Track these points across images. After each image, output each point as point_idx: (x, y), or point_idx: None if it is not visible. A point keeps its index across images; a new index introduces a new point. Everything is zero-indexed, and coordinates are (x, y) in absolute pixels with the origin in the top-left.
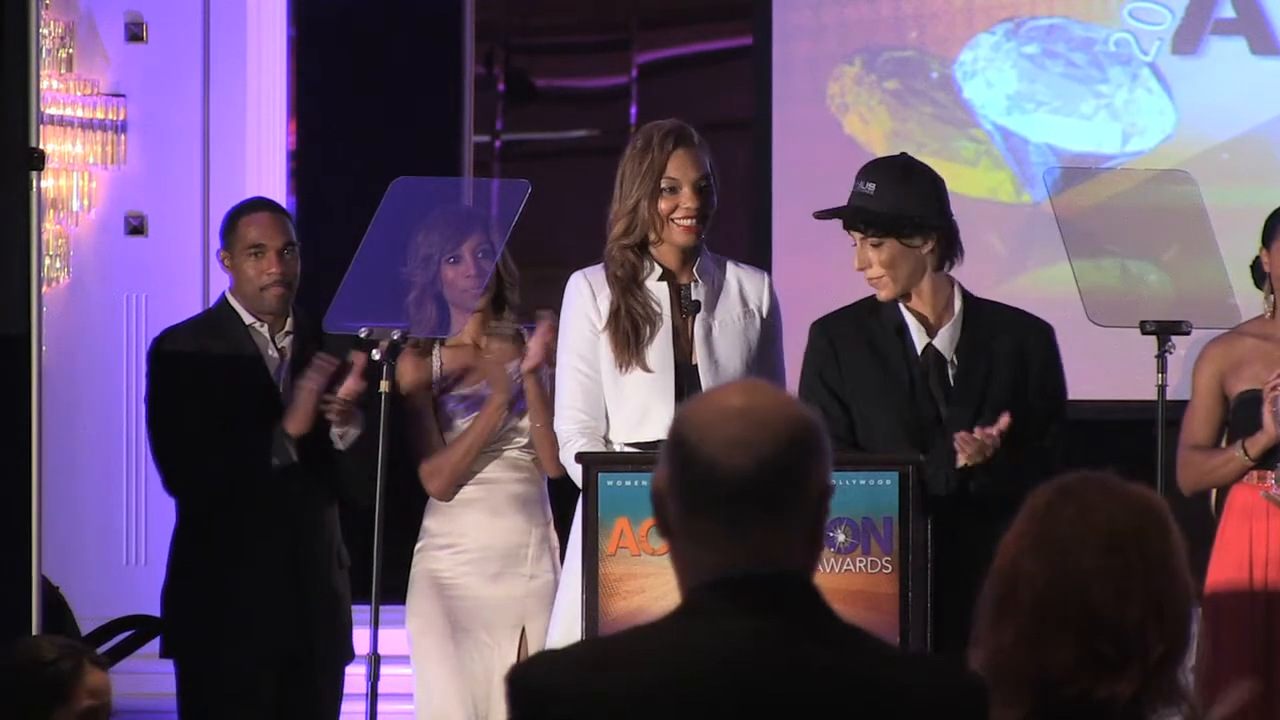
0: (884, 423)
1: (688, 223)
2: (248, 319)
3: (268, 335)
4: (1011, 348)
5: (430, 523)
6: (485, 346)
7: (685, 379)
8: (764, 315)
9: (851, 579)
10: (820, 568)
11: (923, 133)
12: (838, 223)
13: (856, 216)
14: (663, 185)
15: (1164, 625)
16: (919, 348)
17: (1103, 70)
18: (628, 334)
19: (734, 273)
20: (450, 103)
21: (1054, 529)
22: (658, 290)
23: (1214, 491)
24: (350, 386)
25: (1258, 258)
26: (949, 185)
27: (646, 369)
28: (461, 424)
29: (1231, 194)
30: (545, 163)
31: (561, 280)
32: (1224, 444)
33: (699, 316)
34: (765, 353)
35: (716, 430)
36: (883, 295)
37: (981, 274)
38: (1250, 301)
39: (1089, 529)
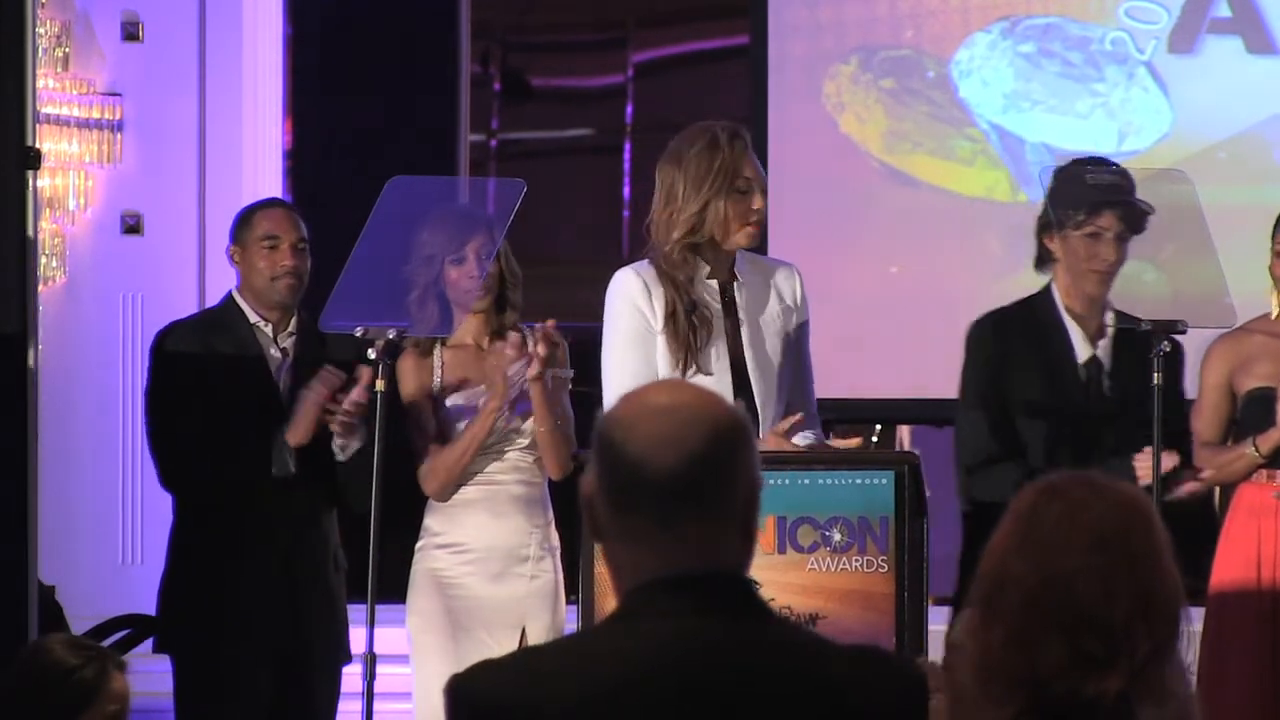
0: (1047, 437)
1: (756, 225)
2: (252, 318)
3: (271, 335)
4: (1140, 359)
5: (431, 522)
6: (487, 348)
7: (739, 379)
8: (799, 310)
9: (848, 578)
10: (817, 567)
11: (919, 131)
12: (835, 221)
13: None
14: (739, 186)
15: (1151, 622)
16: (1082, 358)
17: (1099, 69)
18: (688, 335)
19: (767, 269)
20: (446, 102)
21: (1040, 529)
22: (710, 290)
23: (1217, 489)
24: (354, 398)
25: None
26: (945, 184)
27: (706, 371)
28: (461, 425)
29: (1228, 193)
30: (541, 161)
31: (557, 279)
32: (1230, 441)
33: (745, 316)
34: (803, 348)
35: (643, 429)
36: (1096, 292)
37: (977, 273)
38: (1255, 301)
39: (1075, 528)
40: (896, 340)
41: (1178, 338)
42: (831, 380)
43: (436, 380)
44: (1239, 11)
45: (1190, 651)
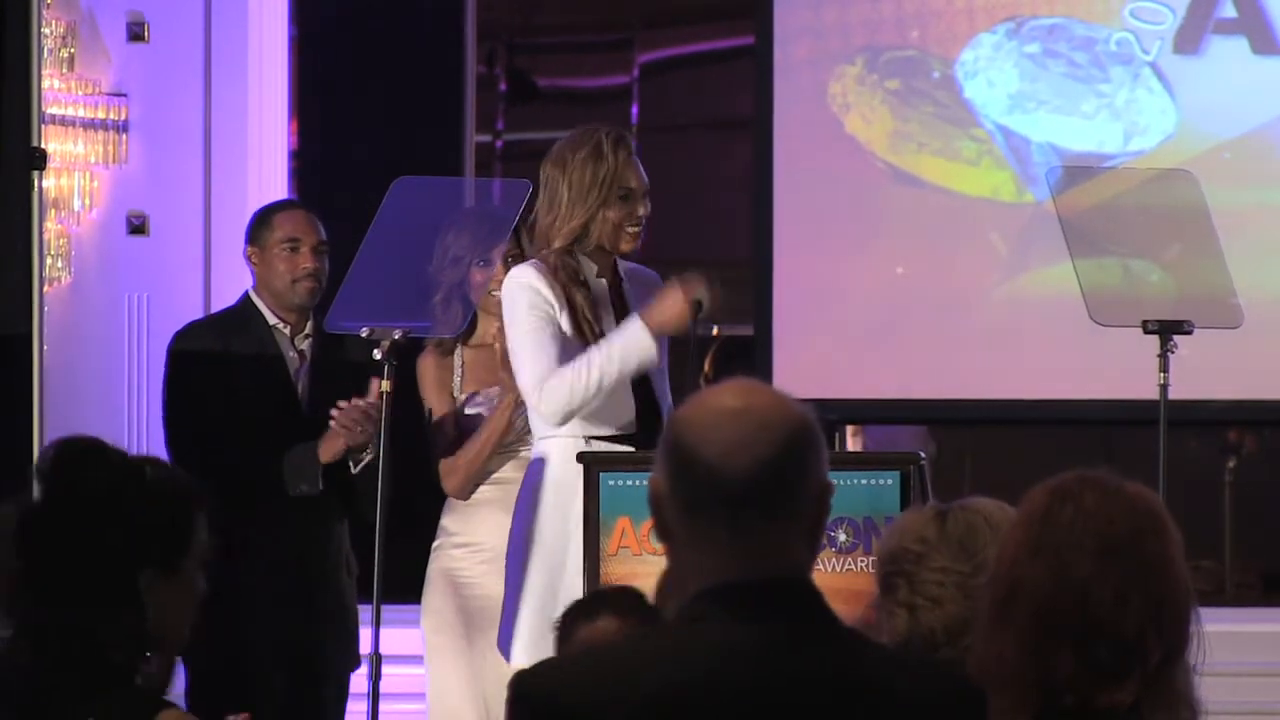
0: None
1: (636, 230)
2: (270, 319)
3: (289, 336)
4: None
5: (447, 521)
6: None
7: (639, 377)
8: None
9: (853, 579)
10: (822, 568)
11: (924, 132)
12: (840, 222)
13: None
14: (623, 195)
15: (1163, 630)
16: None
17: (1104, 70)
18: (590, 325)
19: (641, 275)
20: (452, 102)
21: (1052, 533)
22: (600, 289)
23: None
24: (367, 403)
25: None
26: (950, 184)
27: None
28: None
29: (1234, 194)
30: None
31: None
32: None
33: (634, 313)
34: (665, 355)
35: (715, 433)
36: None
37: (983, 274)
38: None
39: (1087, 533)
40: (902, 341)
41: None
42: (835, 380)
43: (457, 380)
44: (1244, 12)
45: (1200, 653)
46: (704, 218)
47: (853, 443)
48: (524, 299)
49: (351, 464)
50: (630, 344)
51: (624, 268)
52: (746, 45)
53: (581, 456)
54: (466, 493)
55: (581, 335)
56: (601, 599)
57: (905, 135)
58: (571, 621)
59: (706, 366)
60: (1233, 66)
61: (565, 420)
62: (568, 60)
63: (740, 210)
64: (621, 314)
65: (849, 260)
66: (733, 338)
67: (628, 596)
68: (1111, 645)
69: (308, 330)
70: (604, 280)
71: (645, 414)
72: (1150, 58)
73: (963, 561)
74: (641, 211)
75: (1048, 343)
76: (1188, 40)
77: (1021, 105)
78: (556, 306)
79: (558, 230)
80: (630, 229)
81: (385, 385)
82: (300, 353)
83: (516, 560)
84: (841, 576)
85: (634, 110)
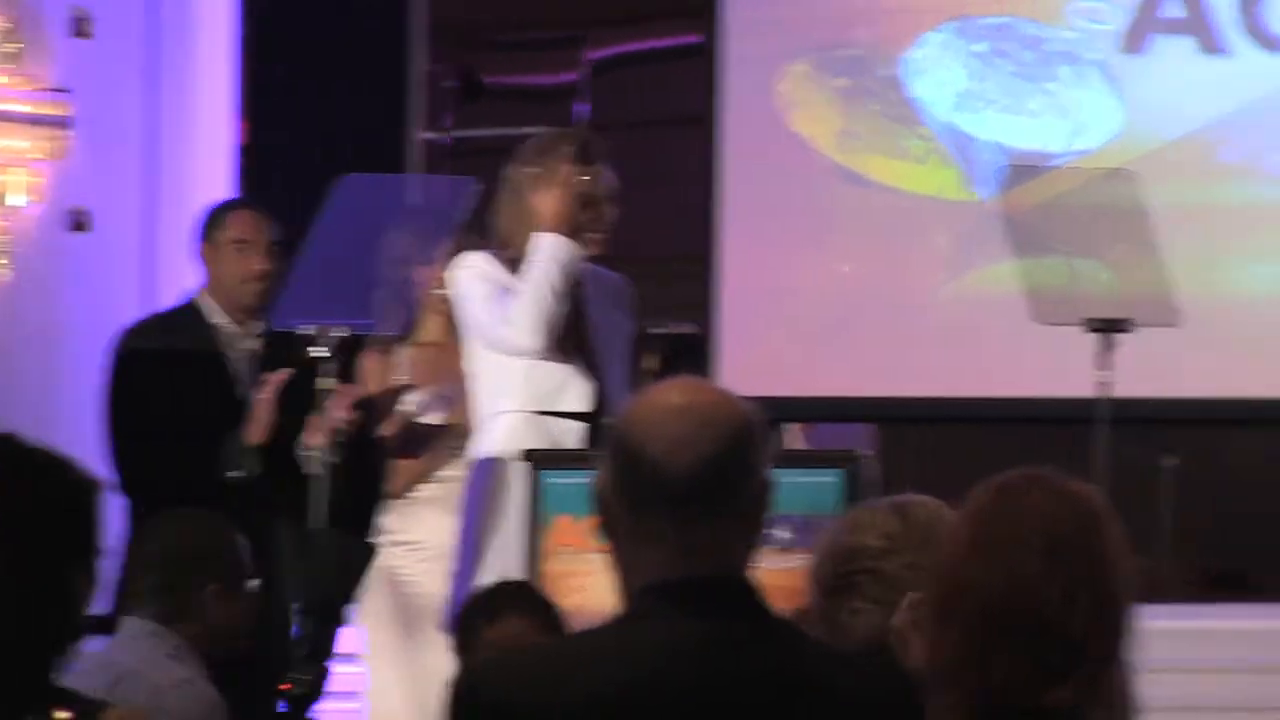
0: None
1: (601, 235)
2: (217, 317)
3: (235, 334)
4: None
5: (388, 520)
6: (451, 346)
7: (592, 369)
8: (629, 320)
9: (793, 576)
10: (762, 565)
11: (871, 130)
12: (787, 220)
13: None
14: (589, 199)
15: (1107, 628)
16: None
17: (1051, 69)
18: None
19: (603, 276)
20: (399, 99)
21: (998, 532)
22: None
23: None
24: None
25: None
26: (897, 183)
27: (563, 359)
28: (425, 422)
29: (1177, 193)
30: (497, 159)
31: None
32: None
33: (594, 312)
34: (628, 355)
35: (659, 430)
36: None
37: (928, 271)
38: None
39: (1030, 532)
40: (847, 339)
41: None
42: (783, 378)
43: (400, 378)
44: (1191, 12)
45: (1140, 650)
46: (652, 214)
47: (799, 441)
48: (473, 275)
49: (306, 461)
50: (543, 249)
51: (585, 270)
52: (696, 43)
53: (527, 455)
54: (408, 492)
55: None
56: (499, 598)
57: (852, 133)
58: (472, 622)
59: (653, 364)
60: (1179, 66)
61: (545, 338)
62: (518, 57)
63: (688, 207)
64: (576, 316)
65: (796, 258)
66: (680, 335)
67: (525, 594)
68: (1058, 644)
69: (258, 329)
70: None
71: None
72: (1097, 57)
73: (926, 556)
74: (606, 217)
75: (992, 341)
76: (1134, 40)
77: (968, 104)
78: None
79: (523, 227)
80: (594, 234)
81: (330, 383)
82: (247, 351)
83: (469, 551)
84: (782, 574)
85: (584, 107)
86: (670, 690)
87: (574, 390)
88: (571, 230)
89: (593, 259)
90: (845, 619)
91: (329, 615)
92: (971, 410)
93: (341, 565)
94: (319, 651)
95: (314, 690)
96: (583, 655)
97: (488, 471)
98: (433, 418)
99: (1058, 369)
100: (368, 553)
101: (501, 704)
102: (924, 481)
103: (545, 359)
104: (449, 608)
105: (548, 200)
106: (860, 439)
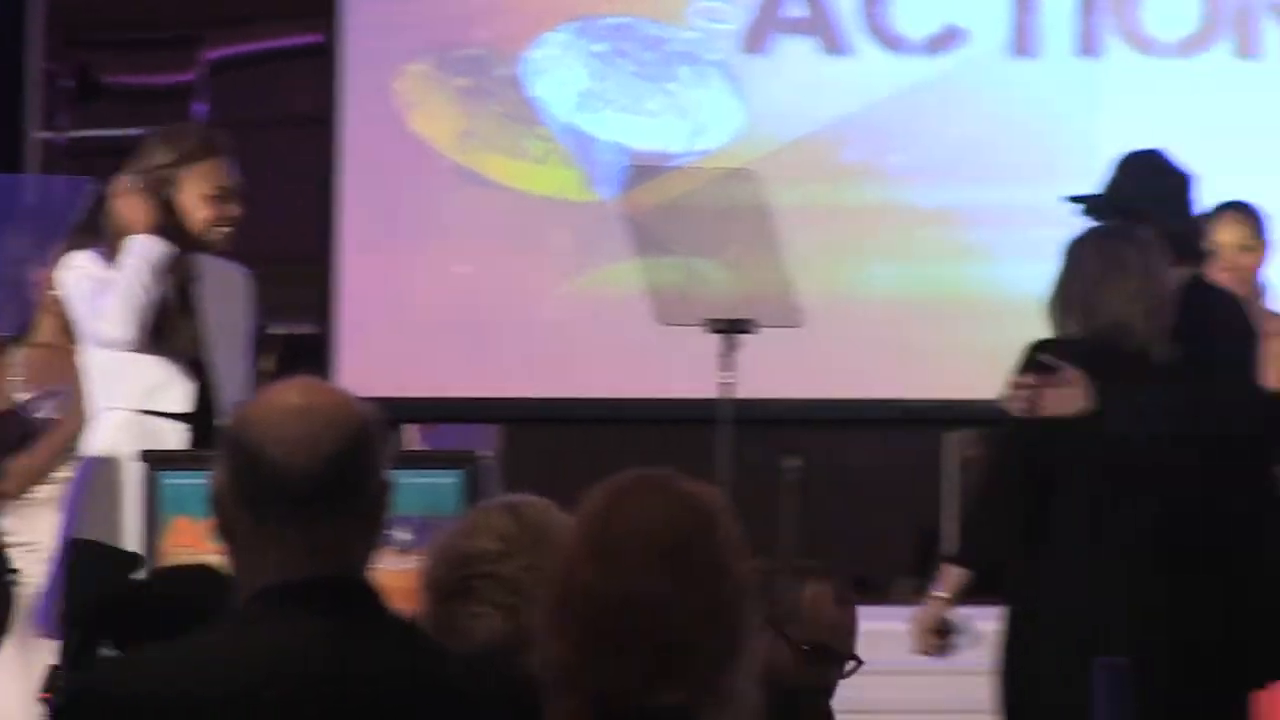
0: None
1: (227, 229)
2: None
3: None
4: None
5: (5, 522)
6: (67, 347)
7: (197, 367)
8: (249, 314)
9: (411, 578)
10: (381, 566)
11: (491, 131)
12: (407, 220)
13: None
14: (213, 193)
15: (717, 632)
16: None
17: (671, 69)
18: (160, 319)
19: (223, 268)
20: (13, 98)
21: (608, 535)
22: (168, 280)
23: None
24: None
25: None
26: (517, 183)
27: (172, 355)
28: (43, 422)
29: (799, 194)
30: (115, 160)
31: None
32: None
33: (210, 307)
34: (249, 347)
35: (278, 431)
36: None
37: (549, 272)
38: (824, 300)
39: (642, 536)
40: (469, 340)
41: None
42: (402, 379)
43: (15, 379)
44: (813, 11)
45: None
46: (271, 215)
47: (417, 442)
48: (79, 275)
49: None
50: (133, 250)
51: (203, 264)
52: (316, 42)
53: (144, 455)
54: (24, 494)
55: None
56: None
57: (471, 133)
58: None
59: (269, 365)
60: (799, 67)
61: (135, 331)
62: (135, 57)
63: (307, 208)
64: (188, 313)
65: (416, 258)
66: (297, 335)
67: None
68: (664, 647)
69: None
70: (174, 274)
71: (202, 395)
72: (717, 57)
73: (545, 558)
74: (232, 211)
75: (612, 341)
76: (755, 40)
77: (588, 104)
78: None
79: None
80: (221, 227)
81: None
82: None
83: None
84: (401, 575)
85: (202, 107)
86: (288, 690)
87: (177, 389)
88: (161, 230)
89: (217, 253)
90: (465, 623)
91: None
92: (594, 411)
93: None
94: None
95: None
96: (200, 655)
97: (90, 470)
98: (45, 416)
99: (681, 370)
100: None
101: (116, 704)
102: (548, 483)
103: (148, 355)
104: (43, 606)
105: (133, 204)
106: (481, 440)
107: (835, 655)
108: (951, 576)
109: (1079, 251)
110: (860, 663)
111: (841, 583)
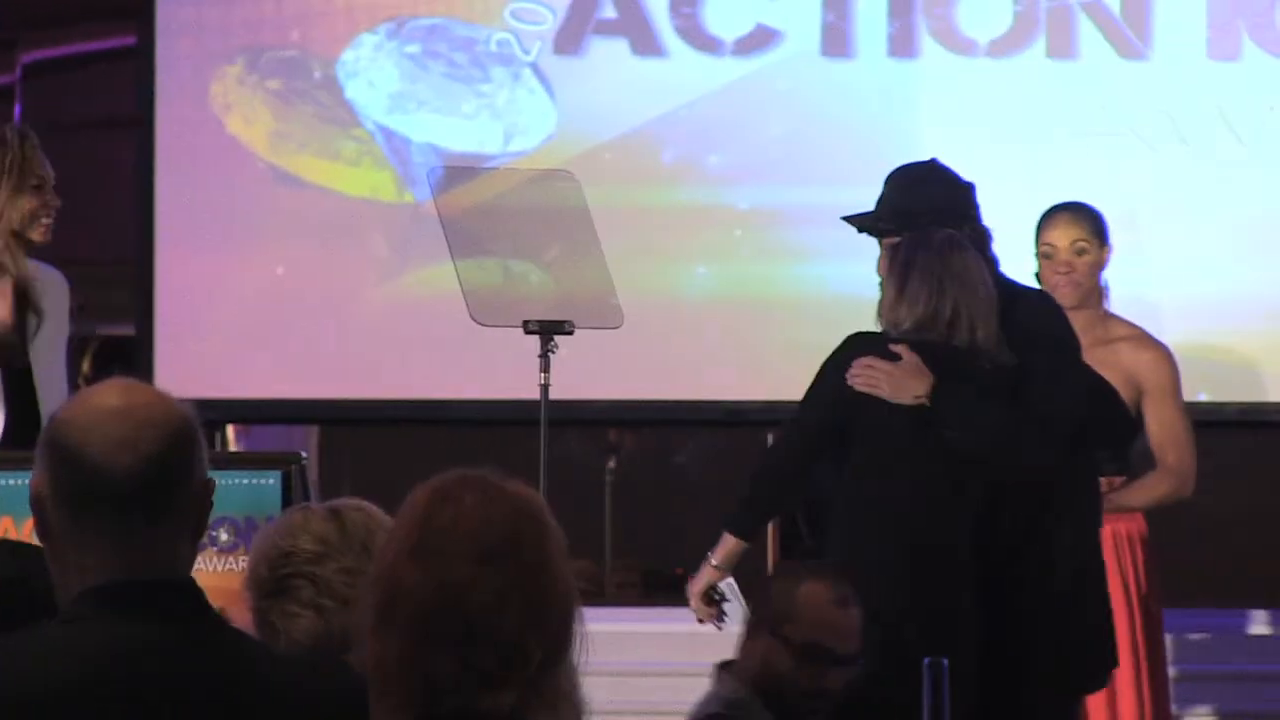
0: None
1: (49, 221)
2: None
3: None
4: None
5: None
6: None
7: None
8: (63, 321)
9: (233, 578)
10: (203, 567)
11: (305, 133)
12: (222, 222)
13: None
14: (34, 184)
15: (544, 632)
16: None
17: (484, 70)
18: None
19: (44, 273)
20: None
21: (431, 535)
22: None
23: None
24: None
25: None
26: (331, 184)
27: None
28: None
29: (614, 194)
30: None
31: None
32: None
33: (32, 313)
34: (60, 355)
35: (97, 432)
36: None
37: (365, 273)
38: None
39: (465, 536)
40: (284, 341)
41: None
42: (220, 380)
43: None
44: (625, 14)
45: (583, 653)
46: (87, 218)
47: (236, 444)
48: None
49: None
50: None
51: (30, 266)
52: (130, 45)
53: None
54: None
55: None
56: None
57: (286, 135)
58: None
59: (86, 367)
60: (613, 67)
61: None
62: None
63: (123, 210)
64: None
65: (231, 260)
66: (114, 337)
67: None
68: (491, 648)
69: None
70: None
71: (21, 424)
72: (530, 58)
73: (365, 561)
74: (53, 203)
75: (430, 343)
76: (568, 41)
77: (402, 105)
78: None
79: None
80: (45, 219)
81: None
82: None
83: None
84: (222, 576)
85: (17, 110)
86: (106, 693)
87: None
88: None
89: (32, 255)
90: (280, 622)
91: None
92: (412, 412)
93: None
94: None
95: None
96: (15, 657)
97: None
98: None
99: (495, 371)
100: None
101: None
102: (365, 484)
103: None
104: None
105: None
106: (298, 441)
107: (832, 656)
108: (727, 545)
109: (909, 252)
110: (862, 665)
111: (840, 583)
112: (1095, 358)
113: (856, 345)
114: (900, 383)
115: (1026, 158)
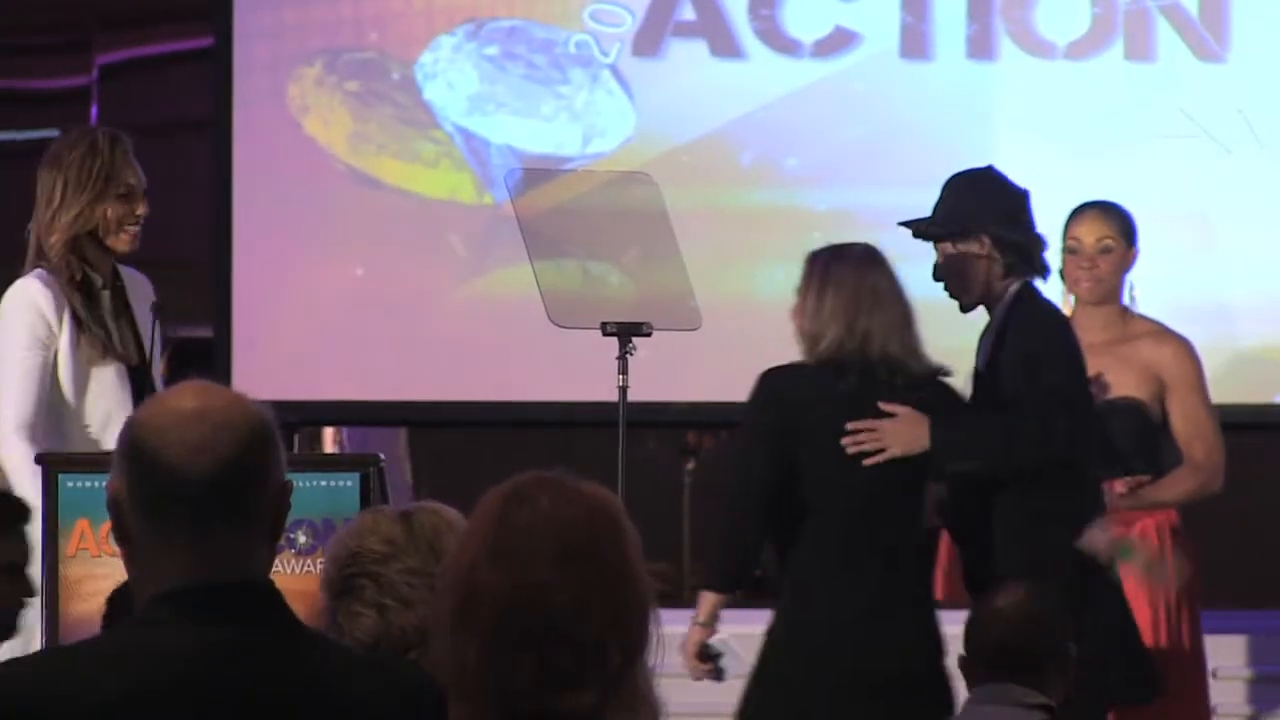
0: None
1: (136, 229)
2: None
3: None
4: None
5: None
6: None
7: (140, 381)
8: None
9: (311, 581)
10: (281, 569)
11: (384, 134)
12: (300, 224)
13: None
14: (120, 191)
15: (623, 633)
16: None
17: (563, 72)
18: (104, 337)
19: (132, 276)
20: None
21: (509, 537)
22: (95, 288)
23: None
24: None
25: None
26: (410, 186)
27: (126, 361)
28: None
29: (691, 196)
30: (5, 164)
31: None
32: None
33: (134, 318)
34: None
35: (174, 435)
36: None
37: (443, 275)
38: (718, 304)
39: (544, 537)
40: (363, 343)
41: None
42: (299, 382)
43: None
44: (704, 15)
45: (660, 655)
46: (164, 220)
47: (328, 445)
48: (22, 320)
49: None
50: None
51: (121, 271)
52: (206, 47)
53: (40, 459)
54: None
55: (91, 343)
56: None
57: (365, 137)
58: None
59: (162, 368)
60: (692, 69)
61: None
62: (22, 61)
63: (200, 212)
64: (124, 316)
65: (309, 262)
66: (191, 339)
67: None
68: (571, 650)
69: None
70: (100, 278)
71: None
72: (609, 60)
73: (432, 563)
74: (140, 210)
75: (508, 345)
76: (647, 43)
77: (480, 107)
78: (57, 325)
79: (55, 224)
80: (130, 227)
81: None
82: None
83: None
84: (300, 578)
85: (94, 111)
86: (183, 696)
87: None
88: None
89: (119, 260)
90: (345, 622)
91: None
92: (492, 414)
93: None
94: None
95: None
96: (94, 661)
97: None
98: None
99: (573, 373)
100: None
101: (7, 710)
102: (448, 486)
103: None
104: None
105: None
106: (381, 445)
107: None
108: (707, 602)
109: (829, 271)
110: None
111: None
112: (1116, 354)
113: (773, 381)
114: (908, 435)
115: (1101, 160)
